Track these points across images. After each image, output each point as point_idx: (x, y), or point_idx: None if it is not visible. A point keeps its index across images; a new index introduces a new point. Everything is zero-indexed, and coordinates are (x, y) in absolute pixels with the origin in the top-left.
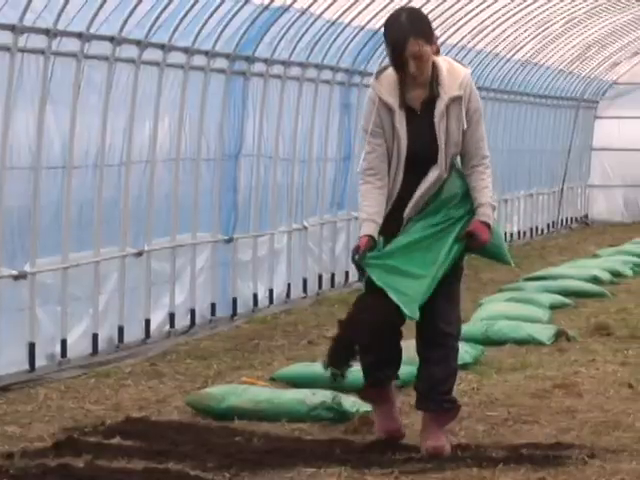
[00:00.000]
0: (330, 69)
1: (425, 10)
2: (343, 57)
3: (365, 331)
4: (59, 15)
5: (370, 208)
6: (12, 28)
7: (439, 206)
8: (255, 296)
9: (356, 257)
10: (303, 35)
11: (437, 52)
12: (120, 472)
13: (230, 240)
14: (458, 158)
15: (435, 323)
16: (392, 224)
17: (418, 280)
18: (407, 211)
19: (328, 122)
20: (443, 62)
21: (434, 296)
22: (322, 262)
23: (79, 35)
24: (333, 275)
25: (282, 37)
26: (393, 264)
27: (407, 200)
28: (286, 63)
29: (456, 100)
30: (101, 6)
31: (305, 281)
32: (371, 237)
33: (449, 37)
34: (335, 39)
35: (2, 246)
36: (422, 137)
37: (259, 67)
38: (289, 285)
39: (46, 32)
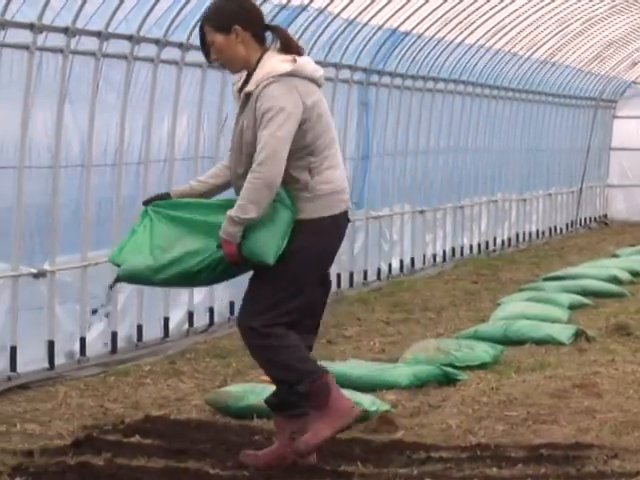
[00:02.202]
0: (348, 68)
1: (443, 10)
2: (361, 56)
3: None
4: (77, 14)
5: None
6: (31, 27)
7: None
8: None
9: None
10: (321, 34)
11: (294, 49)
12: (139, 470)
13: None
14: None
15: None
16: None
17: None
18: None
19: (346, 121)
20: (270, 57)
21: None
22: (340, 261)
23: (98, 34)
24: (352, 274)
25: (300, 36)
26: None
27: None
28: None
29: (249, 96)
30: (120, 5)
31: None
32: (167, 194)
33: (467, 37)
34: (353, 38)
35: (22, 244)
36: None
37: None
38: None
39: (65, 31)
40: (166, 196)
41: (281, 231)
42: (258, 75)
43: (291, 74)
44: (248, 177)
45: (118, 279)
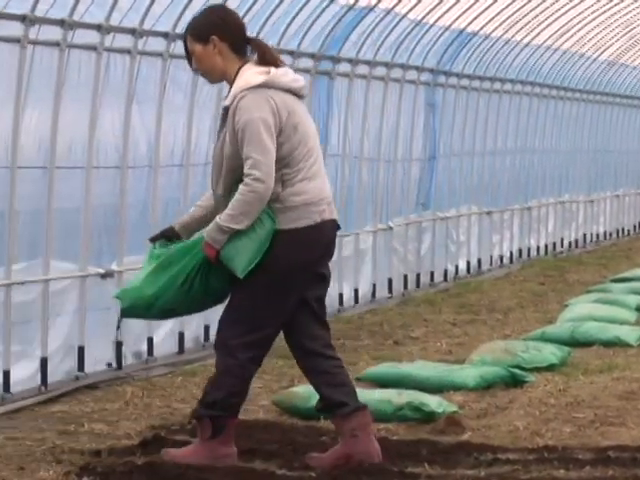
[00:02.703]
0: (415, 69)
1: (510, 10)
2: (428, 57)
3: None
4: (145, 15)
5: (199, 200)
6: (98, 28)
7: None
8: (341, 296)
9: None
10: (388, 35)
11: (270, 61)
12: (206, 471)
13: None
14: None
15: None
16: None
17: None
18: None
19: (413, 122)
20: (246, 70)
21: None
22: (407, 262)
23: (165, 35)
24: (418, 275)
25: (367, 37)
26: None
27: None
28: (371, 63)
29: (227, 110)
30: (187, 6)
31: (390, 281)
32: (171, 228)
33: (534, 37)
34: (420, 39)
35: (89, 245)
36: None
37: (344, 67)
38: (374, 285)
39: (132, 32)
40: (171, 230)
41: (259, 243)
42: (234, 89)
43: (264, 85)
44: (241, 189)
45: (122, 315)
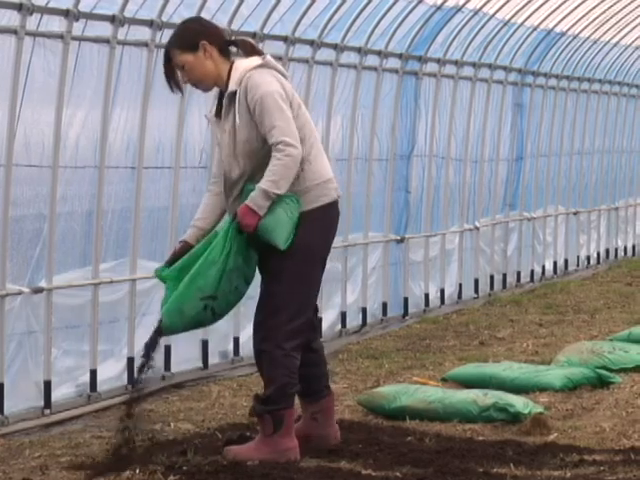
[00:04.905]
0: (503, 69)
1: (599, 10)
2: (516, 57)
3: None
4: (233, 15)
5: (197, 214)
6: None
7: None
8: (427, 296)
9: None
10: (476, 35)
11: (253, 53)
12: (292, 470)
13: (402, 240)
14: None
15: None
16: None
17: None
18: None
19: (500, 122)
20: (240, 63)
21: None
22: (494, 262)
23: (253, 35)
24: (505, 275)
25: (455, 37)
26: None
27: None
28: (459, 63)
29: (233, 96)
30: (275, 6)
31: (477, 281)
32: (185, 242)
33: (623, 37)
34: (508, 39)
35: (176, 244)
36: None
37: (431, 67)
38: (460, 285)
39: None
40: (187, 246)
41: (295, 219)
42: (235, 76)
43: (264, 66)
44: (276, 155)
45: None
